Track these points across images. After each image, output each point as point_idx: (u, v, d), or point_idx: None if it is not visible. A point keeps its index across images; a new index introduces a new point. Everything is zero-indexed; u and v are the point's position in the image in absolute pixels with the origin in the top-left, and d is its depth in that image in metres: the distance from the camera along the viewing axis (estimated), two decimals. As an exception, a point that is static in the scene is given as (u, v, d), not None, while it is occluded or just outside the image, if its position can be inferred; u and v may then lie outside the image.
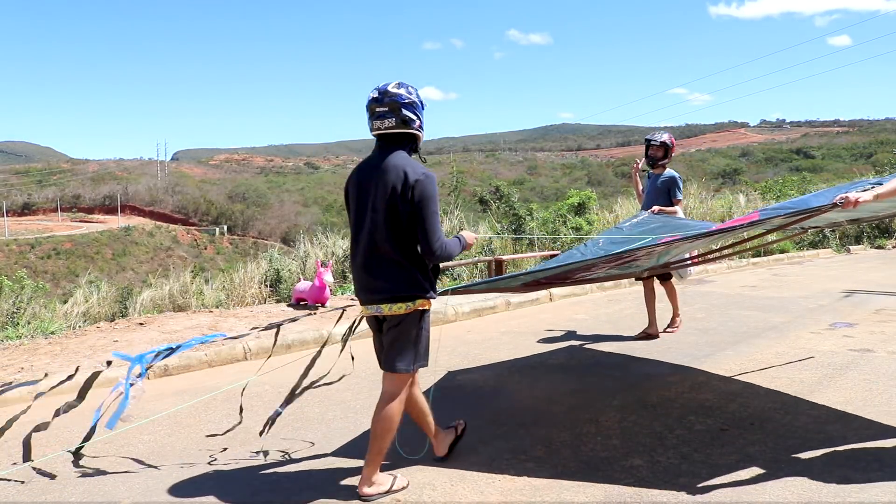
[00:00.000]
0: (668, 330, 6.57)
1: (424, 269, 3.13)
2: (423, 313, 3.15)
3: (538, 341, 6.50)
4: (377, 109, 3.11)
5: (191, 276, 11.31)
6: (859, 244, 14.87)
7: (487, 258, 10.13)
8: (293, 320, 4.54)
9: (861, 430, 3.84)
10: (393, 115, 3.10)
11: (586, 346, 6.29)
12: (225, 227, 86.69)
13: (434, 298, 3.18)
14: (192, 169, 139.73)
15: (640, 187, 6.82)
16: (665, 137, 6.37)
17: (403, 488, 3.17)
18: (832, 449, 3.58)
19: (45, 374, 4.91)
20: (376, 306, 3.12)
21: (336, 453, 3.73)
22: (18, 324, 7.80)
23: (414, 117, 3.14)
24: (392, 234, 3.04)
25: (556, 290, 9.31)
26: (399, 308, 3.08)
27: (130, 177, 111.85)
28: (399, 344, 3.12)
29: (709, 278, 10.48)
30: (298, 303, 7.95)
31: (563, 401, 4.54)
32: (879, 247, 14.78)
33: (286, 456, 3.73)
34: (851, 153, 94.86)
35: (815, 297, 8.44)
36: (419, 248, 3.07)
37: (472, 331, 7.14)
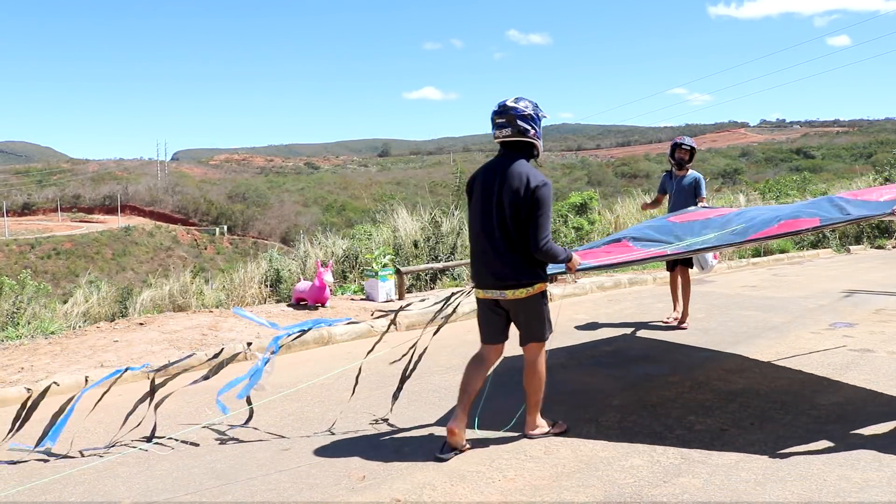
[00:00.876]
0: (682, 326, 6.84)
1: (540, 260, 3.65)
2: (543, 294, 3.73)
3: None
4: (497, 120, 3.62)
5: (191, 276, 11.31)
6: (859, 244, 14.86)
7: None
8: (404, 307, 5.21)
9: (861, 430, 3.84)
10: (510, 125, 3.58)
11: (586, 346, 6.29)
12: (225, 227, 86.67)
13: (550, 282, 3.81)
14: (192, 169, 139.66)
15: (654, 198, 7.39)
16: (692, 141, 6.95)
17: (563, 431, 3.86)
18: (832, 449, 3.58)
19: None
20: (499, 291, 3.66)
21: (336, 453, 3.73)
22: (18, 324, 7.80)
23: (529, 127, 3.59)
24: (516, 230, 3.56)
25: (555, 291, 9.30)
26: (521, 293, 3.63)
27: (130, 177, 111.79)
28: (530, 321, 3.73)
29: (709, 278, 10.47)
30: (298, 303, 7.95)
31: (563, 401, 4.54)
32: (879, 247, 14.77)
33: (285, 455, 3.73)
34: (851, 153, 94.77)
35: (815, 297, 8.44)
36: (530, 243, 3.56)
37: (473, 331, 7.10)
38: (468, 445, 3.65)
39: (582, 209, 13.83)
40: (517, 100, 3.60)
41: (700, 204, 6.61)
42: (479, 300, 3.86)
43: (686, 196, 6.74)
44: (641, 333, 6.72)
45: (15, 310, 8.71)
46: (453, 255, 10.94)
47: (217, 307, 9.32)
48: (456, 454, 3.57)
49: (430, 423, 4.19)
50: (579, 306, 8.57)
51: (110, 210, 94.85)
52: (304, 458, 3.69)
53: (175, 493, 3.29)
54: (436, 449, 3.64)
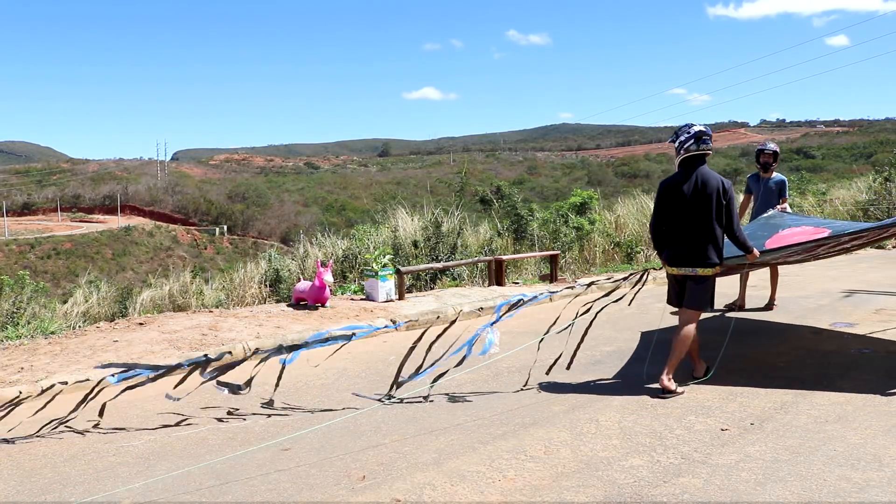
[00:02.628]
0: (773, 306, 7.57)
1: (721, 248, 4.70)
2: (715, 275, 4.77)
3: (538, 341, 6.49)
4: (689, 139, 4.72)
5: (191, 276, 11.33)
6: (859, 244, 14.85)
7: (488, 258, 10.13)
8: (532, 298, 5.64)
9: (861, 429, 3.84)
10: (696, 143, 4.71)
11: (586, 346, 6.28)
12: (225, 227, 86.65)
13: (722, 266, 4.74)
14: (192, 169, 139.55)
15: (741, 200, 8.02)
16: (774, 146, 7.58)
17: (681, 393, 4.58)
18: (832, 449, 3.58)
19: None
20: (691, 269, 4.69)
21: (336, 453, 3.73)
22: (18, 324, 7.80)
23: (707, 146, 4.73)
24: (709, 223, 4.62)
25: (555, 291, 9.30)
26: (706, 271, 4.68)
27: (130, 177, 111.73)
28: (699, 293, 4.73)
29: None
30: (298, 303, 7.95)
31: (563, 401, 4.54)
32: (880, 247, 14.74)
33: (284, 455, 3.73)
34: (851, 153, 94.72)
35: (815, 296, 8.43)
36: (724, 229, 4.67)
37: (472, 331, 7.13)
38: (681, 390, 4.60)
39: (582, 209, 13.82)
40: (695, 125, 4.74)
41: (782, 205, 7.15)
42: (670, 275, 4.94)
43: (772, 196, 7.29)
44: (641, 333, 6.72)
45: (15, 310, 8.71)
46: (453, 255, 10.94)
47: (217, 307, 9.32)
48: (670, 396, 4.54)
49: (428, 419, 4.19)
50: (579, 306, 8.55)
51: (110, 210, 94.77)
52: (304, 458, 3.68)
53: (175, 493, 3.29)
54: (447, 448, 3.64)
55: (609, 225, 13.65)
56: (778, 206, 7.09)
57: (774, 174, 7.43)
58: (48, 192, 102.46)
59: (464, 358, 4.91)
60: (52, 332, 6.92)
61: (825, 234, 5.24)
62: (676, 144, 4.79)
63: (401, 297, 8.45)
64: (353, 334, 4.89)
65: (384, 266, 8.37)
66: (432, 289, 10.21)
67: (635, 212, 14.11)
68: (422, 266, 9.84)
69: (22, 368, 5.46)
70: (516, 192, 14.37)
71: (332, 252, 11.58)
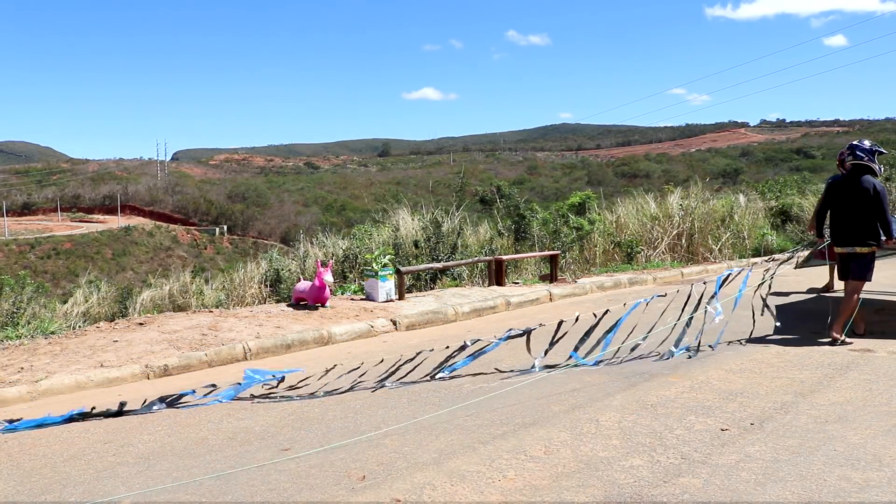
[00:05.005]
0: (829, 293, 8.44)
1: (877, 232, 6.05)
2: (874, 253, 6.11)
3: (538, 341, 6.49)
4: (848, 154, 6.26)
5: (191, 276, 11.33)
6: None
7: (487, 258, 10.13)
8: (740, 271, 6.56)
9: (861, 429, 3.84)
10: (852, 156, 6.20)
11: (586, 346, 6.27)
12: (225, 227, 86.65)
13: (877, 246, 6.08)
14: (192, 169, 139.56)
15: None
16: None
17: (850, 343, 5.89)
18: (832, 449, 3.58)
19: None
20: (852, 248, 6.09)
21: (336, 453, 3.73)
22: (18, 324, 7.80)
23: (862, 155, 6.13)
24: (868, 214, 6.01)
25: (556, 291, 9.31)
26: (863, 249, 6.06)
27: (130, 177, 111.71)
28: (861, 267, 6.10)
29: (709, 278, 10.46)
30: (298, 303, 7.95)
31: (563, 401, 4.54)
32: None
33: (286, 456, 3.73)
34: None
35: (816, 296, 8.43)
36: (880, 225, 6.04)
37: (472, 330, 7.14)
38: (850, 341, 5.92)
39: (581, 209, 13.81)
40: (862, 141, 6.30)
41: None
42: (838, 254, 6.30)
43: None
44: (641, 333, 6.70)
45: (15, 310, 8.71)
46: (453, 254, 10.94)
47: (217, 307, 9.32)
48: (839, 345, 5.83)
49: (426, 419, 4.19)
50: (579, 306, 8.56)
51: (110, 210, 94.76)
52: (304, 458, 3.69)
53: (175, 494, 3.29)
54: (447, 448, 3.65)
55: (609, 225, 13.64)
56: None
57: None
58: (48, 192, 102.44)
59: (691, 318, 6.03)
60: (52, 332, 6.92)
61: None
62: (848, 155, 6.25)
63: (401, 297, 8.46)
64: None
65: (384, 266, 8.37)
66: (432, 289, 10.21)
67: (635, 212, 14.09)
68: (422, 266, 9.84)
69: (22, 368, 5.46)
70: (517, 192, 14.37)
71: (332, 252, 11.58)
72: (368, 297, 8.45)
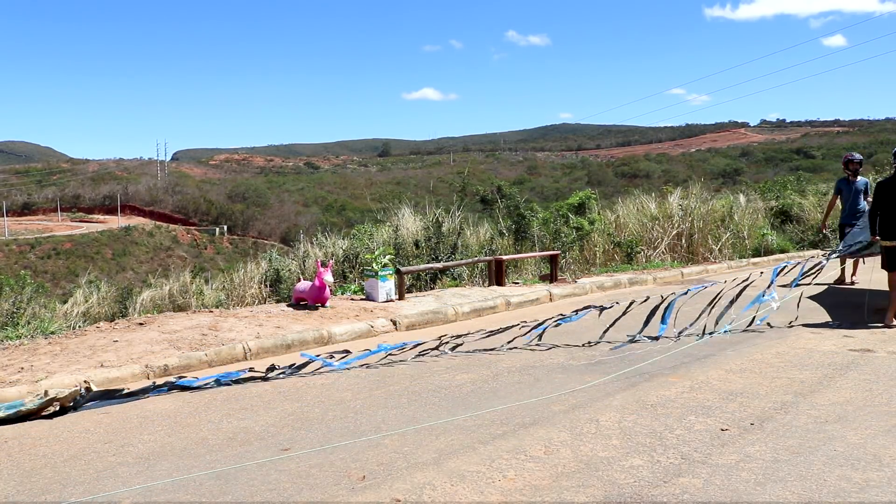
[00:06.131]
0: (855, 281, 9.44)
1: None
2: None
3: (538, 342, 6.50)
4: (894, 159, 7.19)
5: (191, 276, 11.33)
6: (859, 244, 14.83)
7: (488, 258, 10.13)
8: (797, 264, 8.35)
9: (861, 429, 3.84)
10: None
11: (586, 346, 6.28)
12: (225, 227, 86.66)
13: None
14: (192, 169, 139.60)
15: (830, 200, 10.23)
16: (860, 156, 9.59)
17: None
18: (832, 449, 3.58)
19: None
20: None
21: (336, 453, 3.73)
22: (18, 324, 7.81)
23: None
24: None
25: (555, 291, 9.32)
26: None
27: (130, 177, 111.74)
28: None
29: (709, 278, 10.47)
30: (298, 303, 7.95)
31: (563, 401, 4.54)
32: (879, 247, 14.75)
33: (286, 456, 3.73)
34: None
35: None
36: None
37: (472, 331, 7.13)
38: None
39: (580, 209, 13.82)
40: None
41: (868, 199, 8.95)
42: (885, 246, 6.82)
43: (859, 195, 9.30)
44: (640, 332, 6.71)
45: (15, 310, 8.71)
46: (454, 254, 10.94)
47: (217, 307, 9.32)
48: (893, 328, 6.56)
49: (429, 422, 4.19)
50: (579, 306, 8.56)
51: (110, 210, 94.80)
52: (304, 458, 3.69)
53: (175, 493, 3.29)
54: (447, 448, 3.65)
55: (609, 225, 13.64)
56: (865, 202, 9.07)
57: (860, 178, 9.43)
58: (48, 192, 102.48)
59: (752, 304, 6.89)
60: (52, 332, 6.92)
61: None
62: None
63: (401, 297, 8.46)
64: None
65: (384, 266, 8.38)
66: (432, 289, 10.21)
67: (635, 212, 14.10)
68: (422, 266, 9.84)
69: (22, 368, 5.46)
70: (517, 192, 14.38)
71: (332, 252, 11.58)
72: (368, 297, 8.45)
